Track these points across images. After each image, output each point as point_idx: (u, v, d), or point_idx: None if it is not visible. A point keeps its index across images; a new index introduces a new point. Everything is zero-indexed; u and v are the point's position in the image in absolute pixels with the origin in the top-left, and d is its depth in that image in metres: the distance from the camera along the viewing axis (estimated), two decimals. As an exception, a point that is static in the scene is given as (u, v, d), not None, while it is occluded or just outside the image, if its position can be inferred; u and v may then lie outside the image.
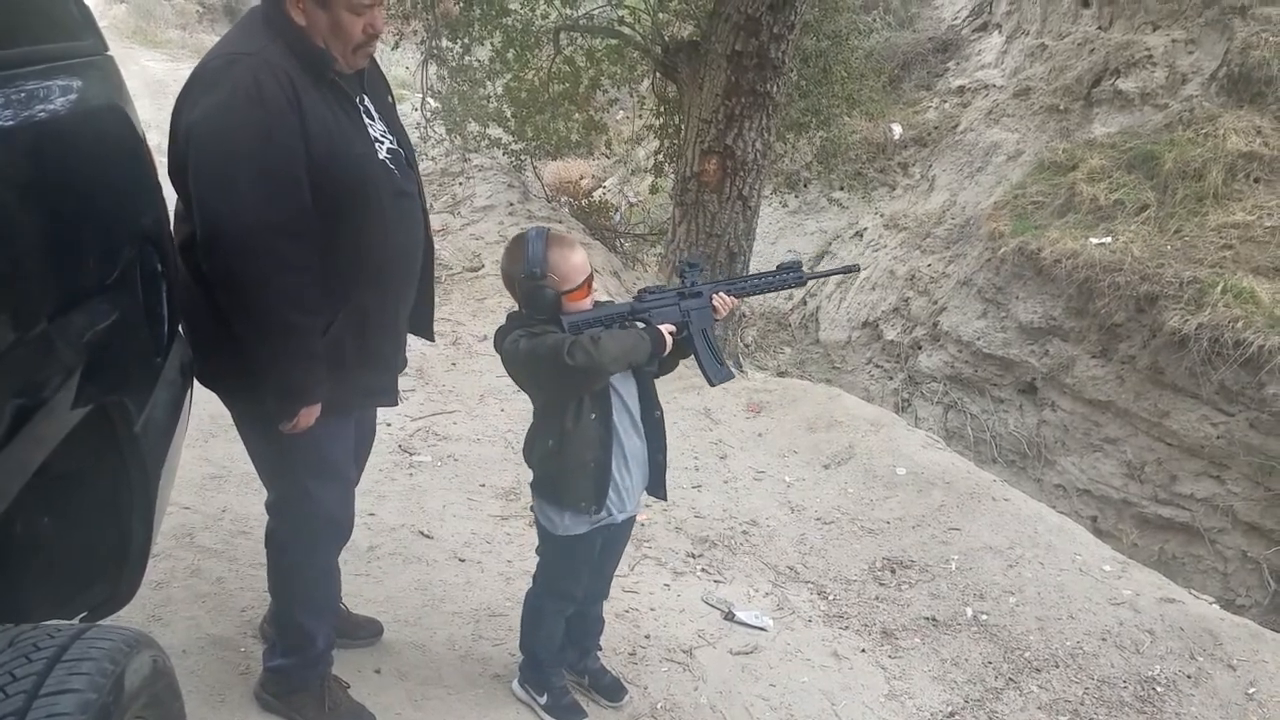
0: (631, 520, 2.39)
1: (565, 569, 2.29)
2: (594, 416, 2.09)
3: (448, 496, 3.45)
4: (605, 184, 11.98)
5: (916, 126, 11.37)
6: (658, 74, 7.23)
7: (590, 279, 2.09)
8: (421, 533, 3.18)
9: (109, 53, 1.66)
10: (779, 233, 11.98)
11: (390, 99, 2.13)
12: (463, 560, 3.07)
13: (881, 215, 11.08)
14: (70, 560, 1.54)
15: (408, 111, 8.08)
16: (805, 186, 10.94)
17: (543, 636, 2.38)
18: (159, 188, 1.72)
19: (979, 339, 8.70)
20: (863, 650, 2.94)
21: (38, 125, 1.28)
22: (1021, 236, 8.41)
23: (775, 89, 6.39)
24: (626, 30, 7.15)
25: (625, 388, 2.18)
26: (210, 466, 3.39)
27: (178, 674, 2.29)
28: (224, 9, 16.79)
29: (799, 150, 8.35)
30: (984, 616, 3.08)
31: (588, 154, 11.06)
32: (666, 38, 7.09)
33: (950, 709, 2.71)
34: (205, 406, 4.02)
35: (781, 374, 9.35)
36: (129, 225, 1.47)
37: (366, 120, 1.93)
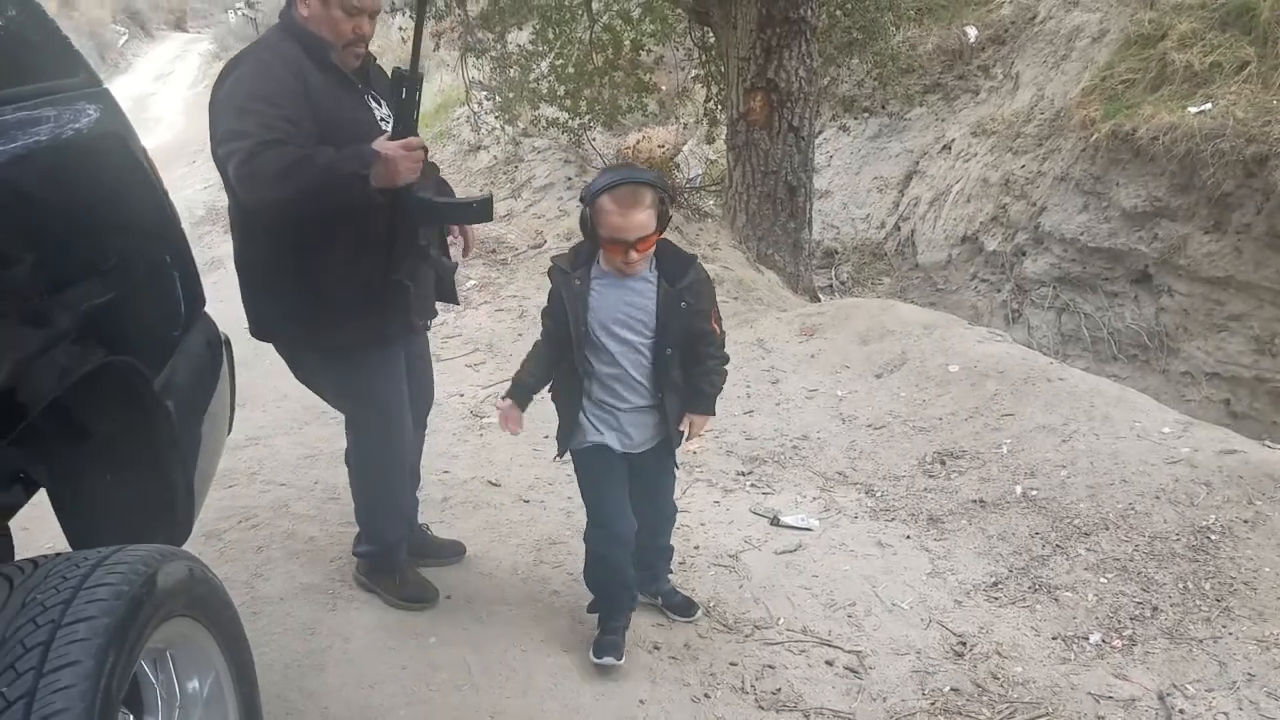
0: (644, 454, 2.39)
1: (582, 486, 2.47)
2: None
3: (514, 450, 3.72)
4: (684, 147, 12.03)
5: (992, 25, 10.89)
6: (693, 22, 7.27)
7: (625, 245, 2.09)
8: (490, 482, 3.47)
9: (104, 87, 1.96)
10: (862, 161, 11.74)
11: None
12: (527, 501, 3.33)
13: (968, 123, 10.70)
14: (130, 512, 1.86)
15: (465, 115, 8.39)
16: (883, 108, 10.67)
17: (592, 573, 2.52)
18: (163, 194, 2.02)
19: (1083, 234, 8.35)
20: (907, 537, 3.03)
21: (40, 144, 1.59)
22: (1114, 119, 8.02)
23: (809, 13, 6.36)
24: (654, -15, 7.22)
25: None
26: (304, 449, 3.79)
27: (275, 617, 2.67)
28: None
29: (854, 71, 8.19)
30: (1034, 492, 3.10)
31: (659, 120, 11.15)
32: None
33: (994, 579, 2.77)
34: (299, 400, 4.42)
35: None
36: (122, 222, 1.77)
37: (370, 103, 2.33)
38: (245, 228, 2.31)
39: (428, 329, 2.72)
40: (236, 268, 2.38)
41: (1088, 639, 2.55)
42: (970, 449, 3.39)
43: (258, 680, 1.81)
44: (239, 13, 25.78)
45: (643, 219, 2.08)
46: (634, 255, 2.11)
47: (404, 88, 2.15)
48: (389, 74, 2.40)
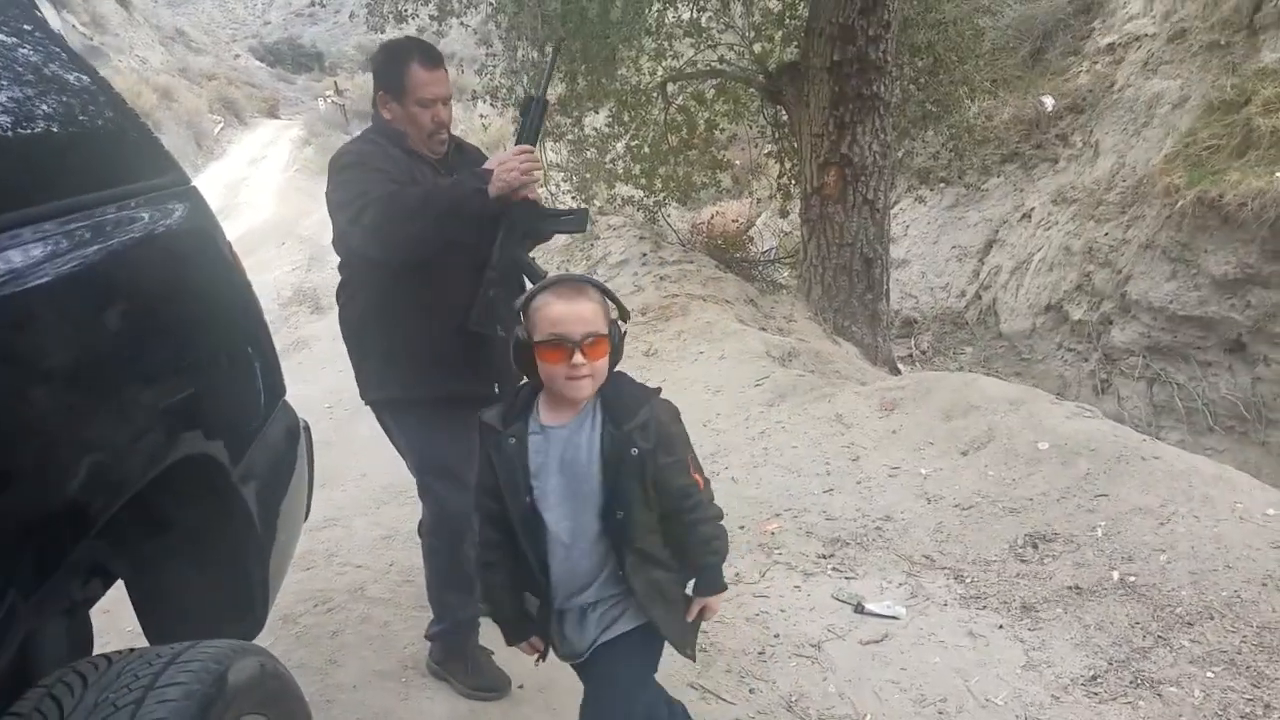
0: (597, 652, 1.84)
1: None
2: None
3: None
4: (757, 221, 12.13)
5: (1069, 94, 10.81)
6: (765, 101, 7.37)
7: (575, 347, 1.64)
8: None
9: (193, 185, 2.05)
10: (940, 230, 11.64)
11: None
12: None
13: (1047, 191, 10.54)
14: (206, 604, 1.88)
15: (544, 195, 8.64)
16: (960, 178, 10.66)
17: None
18: (246, 288, 2.09)
19: (1172, 302, 8.07)
20: (1000, 626, 2.86)
21: (133, 243, 1.66)
22: (1199, 186, 7.80)
23: (882, 89, 6.39)
24: (726, 67, 7.36)
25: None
26: (381, 529, 3.81)
27: (348, 706, 2.65)
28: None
29: (929, 143, 8.17)
30: (1131, 578, 2.91)
31: (733, 195, 11.26)
32: (769, 65, 7.24)
33: (1093, 673, 2.59)
34: (377, 480, 4.46)
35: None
36: (207, 317, 1.83)
37: None
38: (350, 291, 2.51)
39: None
40: (343, 335, 2.58)
41: (1199, 741, 2.36)
42: (1064, 531, 3.22)
43: (325, 776, 1.78)
44: (328, 100, 27.27)
45: (589, 310, 1.66)
46: (580, 360, 1.63)
47: (530, 107, 2.44)
48: (479, 150, 2.71)
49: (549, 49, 6.71)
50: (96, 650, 1.77)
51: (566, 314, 1.66)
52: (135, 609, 1.82)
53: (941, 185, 9.72)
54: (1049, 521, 3.30)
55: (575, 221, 2.50)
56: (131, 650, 1.51)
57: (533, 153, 2.32)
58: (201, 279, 1.89)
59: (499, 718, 2.58)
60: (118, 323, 1.53)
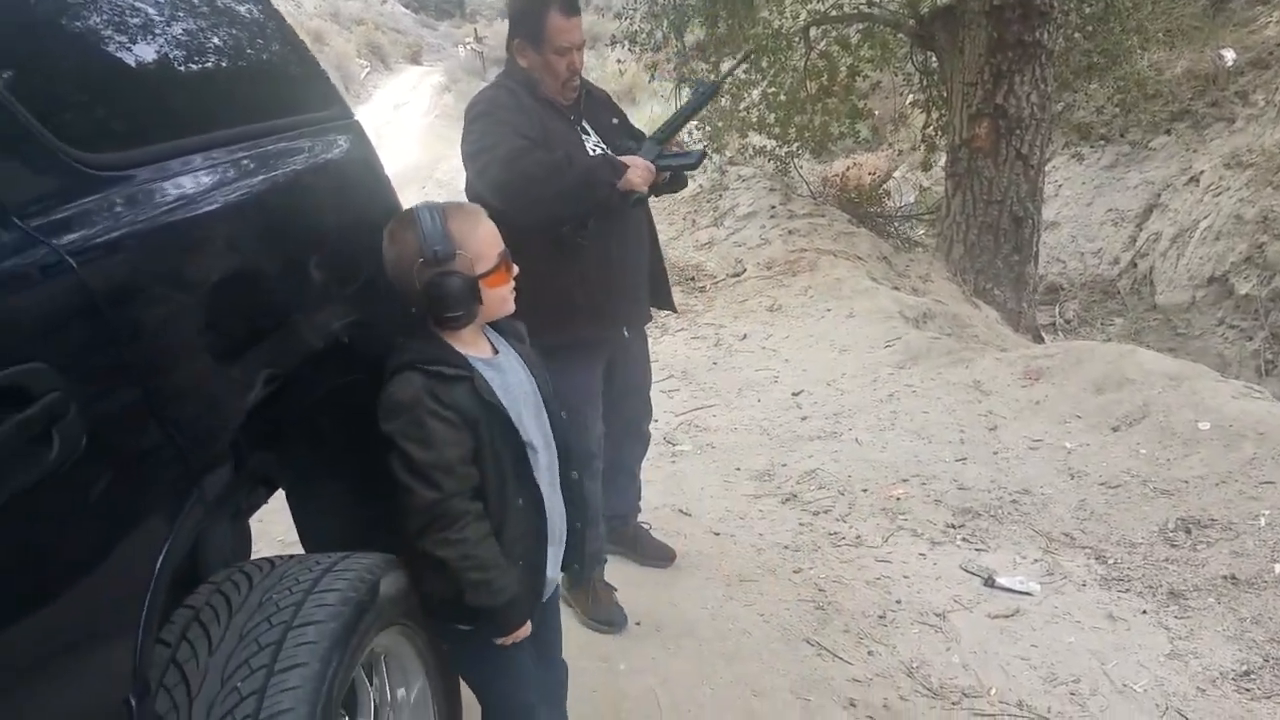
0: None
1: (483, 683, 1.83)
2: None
3: (706, 480, 3.68)
4: (895, 174, 11.68)
5: (1254, 48, 9.88)
6: (915, 47, 7.03)
7: (507, 257, 1.63)
8: (681, 511, 3.44)
9: (355, 119, 2.11)
10: (1095, 192, 10.92)
11: (615, 120, 2.66)
12: (717, 534, 3.28)
13: (1220, 154, 9.72)
14: (357, 518, 1.96)
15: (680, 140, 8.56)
16: (1122, 135, 9.94)
17: None
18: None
19: (1358, 280, 7.36)
20: (1143, 612, 2.71)
21: (305, 170, 1.73)
22: (1402, 151, 7.04)
23: (1045, 36, 6.01)
24: (875, 11, 7.04)
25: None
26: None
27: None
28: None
29: (1092, 96, 7.62)
30: (1298, 574, 2.70)
31: (869, 147, 10.86)
32: (922, 9, 6.89)
33: (1246, 668, 2.43)
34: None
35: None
36: (370, 247, 1.88)
37: (580, 133, 2.52)
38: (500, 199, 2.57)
39: (647, 319, 2.81)
40: None
41: (1365, 752, 2.18)
42: (1221, 518, 3.01)
43: (459, 691, 1.85)
44: (468, 47, 27.70)
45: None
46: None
47: (700, 90, 2.64)
48: (609, 95, 2.75)
49: None
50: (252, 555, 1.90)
51: (496, 230, 1.63)
52: (294, 517, 1.93)
53: (1101, 143, 9.08)
54: (1205, 506, 3.09)
55: (692, 159, 2.54)
56: (292, 556, 1.60)
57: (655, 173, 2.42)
58: (363, 209, 1.94)
59: (616, 652, 2.63)
60: (291, 248, 1.60)
